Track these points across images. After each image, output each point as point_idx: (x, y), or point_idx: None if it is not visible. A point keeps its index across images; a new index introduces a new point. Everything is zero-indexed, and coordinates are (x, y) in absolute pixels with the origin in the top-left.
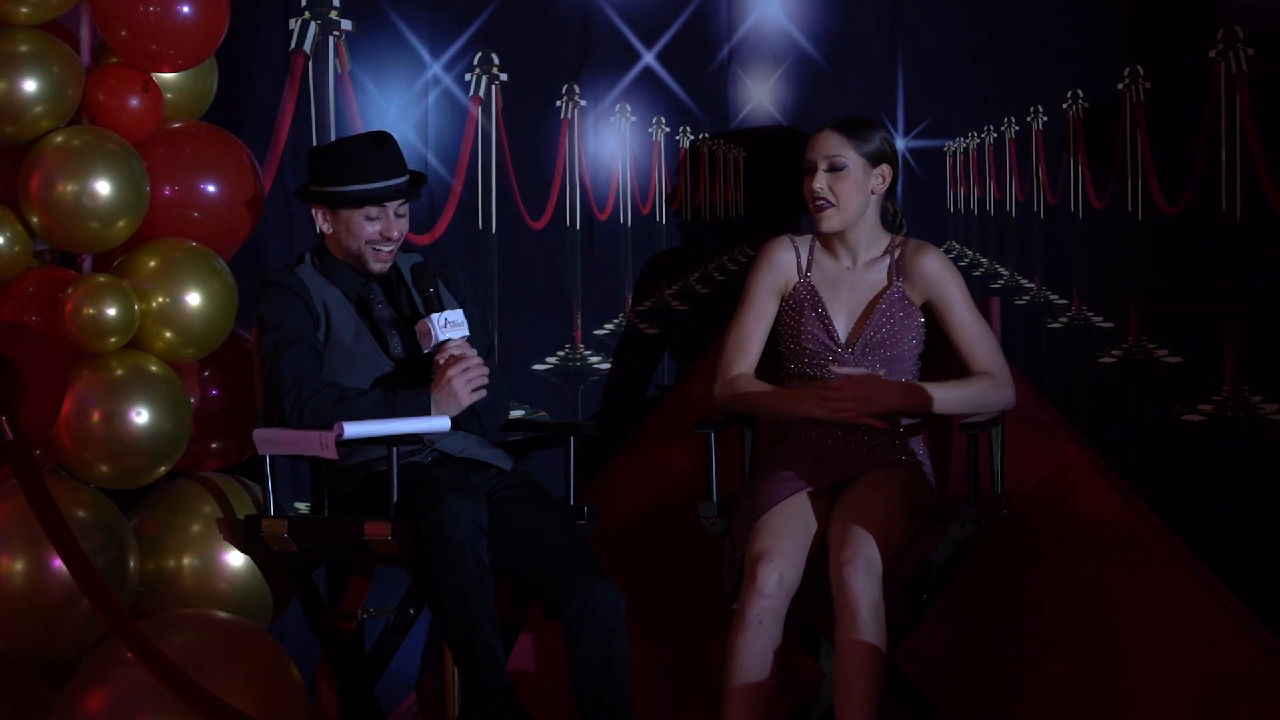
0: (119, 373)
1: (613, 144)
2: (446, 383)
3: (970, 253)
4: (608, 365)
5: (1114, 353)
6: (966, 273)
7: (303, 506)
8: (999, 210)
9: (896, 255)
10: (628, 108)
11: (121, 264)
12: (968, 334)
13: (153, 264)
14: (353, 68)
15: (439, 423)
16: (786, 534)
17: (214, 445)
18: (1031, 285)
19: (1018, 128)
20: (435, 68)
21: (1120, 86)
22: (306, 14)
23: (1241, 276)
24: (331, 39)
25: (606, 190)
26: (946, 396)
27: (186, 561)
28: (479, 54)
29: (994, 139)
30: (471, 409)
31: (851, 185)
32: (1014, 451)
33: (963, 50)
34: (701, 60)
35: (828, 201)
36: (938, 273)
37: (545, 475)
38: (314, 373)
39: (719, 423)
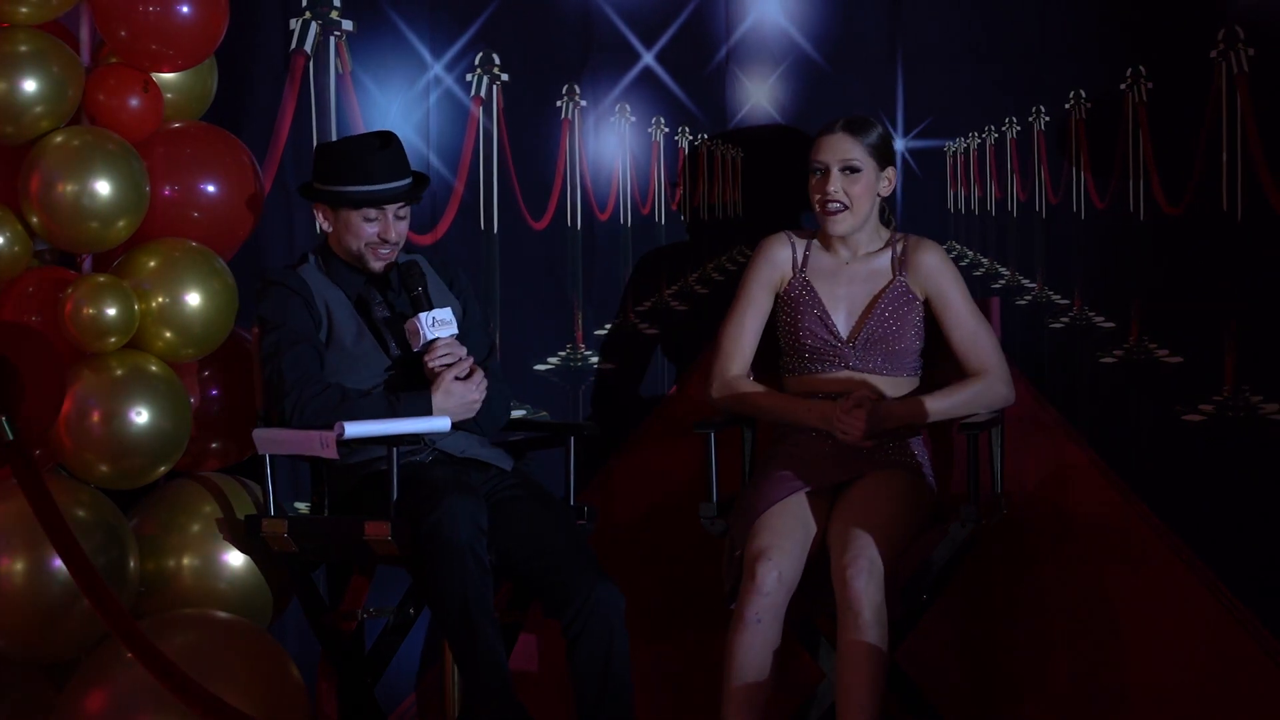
0: (119, 373)
1: (613, 144)
2: (447, 388)
3: (971, 253)
4: (609, 365)
5: (1115, 353)
6: (967, 273)
7: (303, 506)
8: (1000, 210)
9: (899, 249)
10: (627, 108)
11: (121, 264)
12: (964, 331)
13: (153, 264)
14: (353, 68)
15: (439, 423)
16: (786, 533)
17: (214, 445)
18: (1033, 285)
19: (1019, 128)
20: (436, 68)
21: (1122, 86)
22: (307, 14)
23: (1242, 276)
24: (332, 39)
25: (607, 190)
26: (943, 406)
27: (186, 561)
28: (480, 54)
29: (995, 139)
30: None
31: (864, 188)
32: (1014, 451)
33: (963, 50)
34: (700, 60)
35: (842, 204)
36: (938, 268)
37: (545, 475)
38: (315, 373)
39: (719, 423)
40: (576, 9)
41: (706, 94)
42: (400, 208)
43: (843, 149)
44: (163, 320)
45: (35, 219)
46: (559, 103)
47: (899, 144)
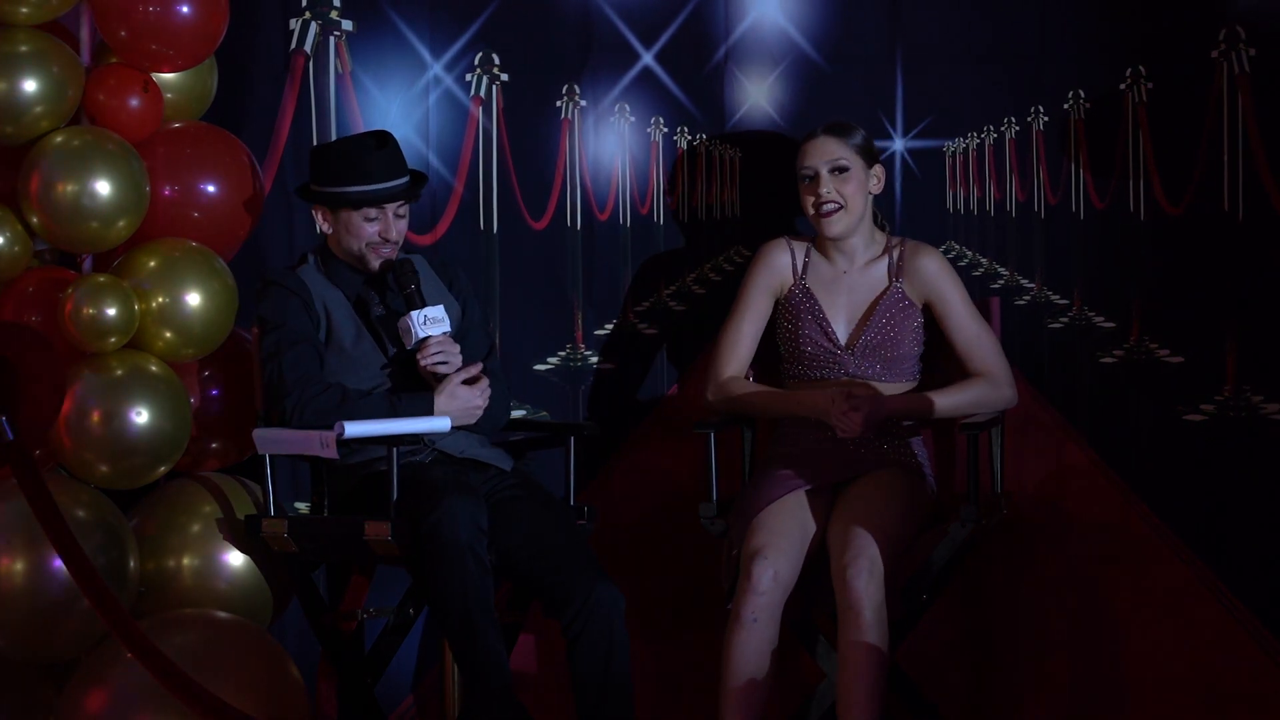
0: (119, 373)
1: (612, 144)
2: (451, 391)
3: (970, 253)
4: (608, 365)
5: (1115, 353)
6: (966, 273)
7: (303, 506)
8: (999, 210)
9: (895, 255)
10: (627, 108)
11: (121, 264)
12: (966, 334)
13: (153, 264)
14: (353, 68)
15: (439, 423)
16: (782, 532)
17: (214, 445)
18: (1032, 285)
19: (1018, 128)
20: (436, 68)
21: (1122, 86)
22: (307, 14)
23: (1243, 276)
24: (332, 39)
25: (606, 190)
26: (946, 404)
27: (186, 561)
28: (480, 54)
29: (994, 139)
30: None
31: (856, 185)
32: (1014, 451)
33: (962, 50)
34: (699, 60)
35: (836, 204)
36: (936, 273)
37: (545, 475)
38: (315, 373)
39: (718, 423)
40: (576, 9)
41: (705, 94)
42: (400, 206)
43: (829, 150)
44: (163, 320)
45: (35, 219)
46: (558, 103)
47: (897, 144)
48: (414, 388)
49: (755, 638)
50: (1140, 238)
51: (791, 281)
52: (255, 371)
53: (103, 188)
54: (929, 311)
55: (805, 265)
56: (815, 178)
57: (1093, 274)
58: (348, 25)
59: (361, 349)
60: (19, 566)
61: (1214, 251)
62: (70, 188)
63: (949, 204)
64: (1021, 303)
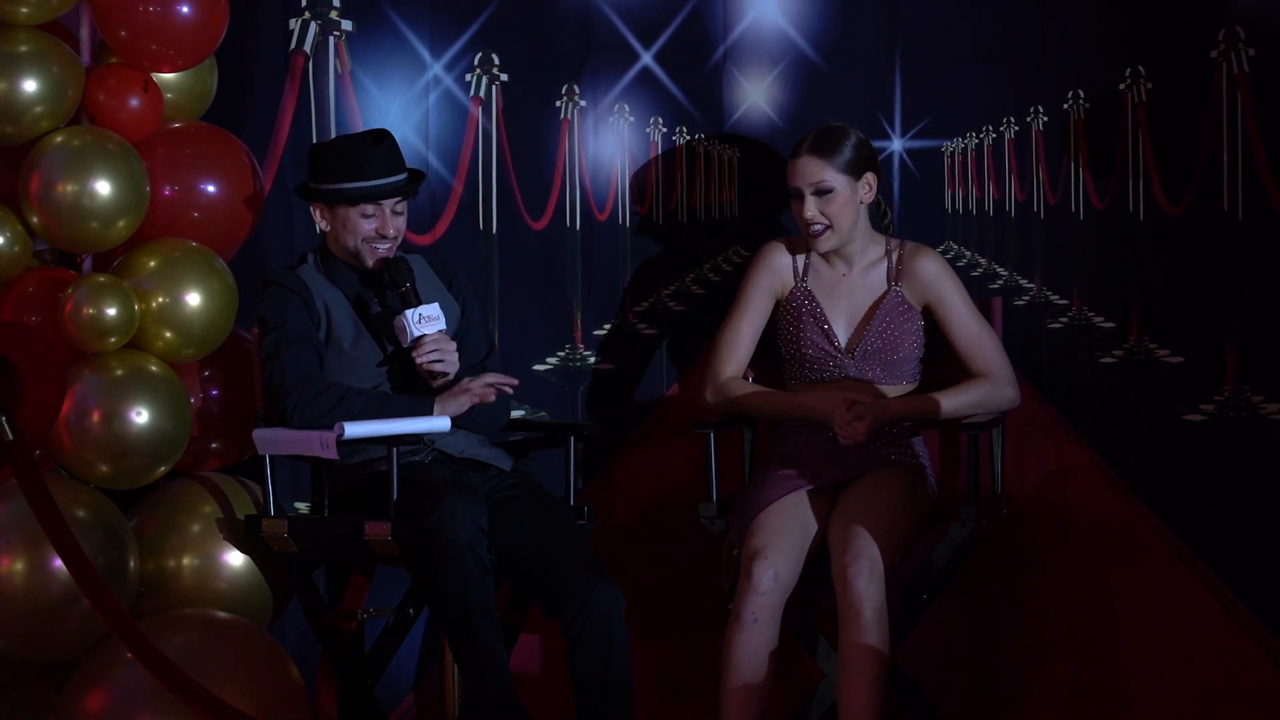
0: (119, 373)
1: (612, 144)
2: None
3: (969, 253)
4: (608, 365)
5: (1115, 353)
6: (965, 273)
7: (303, 506)
8: (998, 211)
9: (894, 259)
10: (626, 108)
11: (121, 264)
12: (967, 335)
13: (153, 264)
14: (353, 68)
15: (439, 423)
16: (783, 532)
17: (214, 445)
18: (1031, 285)
19: (1017, 128)
20: (436, 68)
21: (1121, 86)
22: (306, 14)
23: (1243, 276)
24: (331, 39)
25: (606, 190)
26: (950, 405)
27: (186, 561)
28: (479, 54)
29: (993, 139)
30: (471, 409)
31: (841, 205)
32: (1014, 451)
33: (962, 50)
34: (698, 60)
35: (822, 225)
36: (936, 275)
37: (545, 475)
38: (315, 373)
39: (718, 423)
40: (576, 9)
41: (704, 94)
42: (397, 203)
43: (811, 172)
44: (163, 320)
45: (35, 219)
46: (558, 103)
47: (896, 144)
48: (413, 387)
49: (756, 638)
50: (1140, 238)
51: (793, 284)
52: (255, 371)
53: (103, 188)
54: (929, 314)
55: (806, 267)
56: (801, 197)
57: (1092, 274)
58: (347, 25)
59: (361, 348)
60: (19, 566)
61: (1214, 251)
62: (70, 188)
63: (948, 204)
64: (1021, 303)
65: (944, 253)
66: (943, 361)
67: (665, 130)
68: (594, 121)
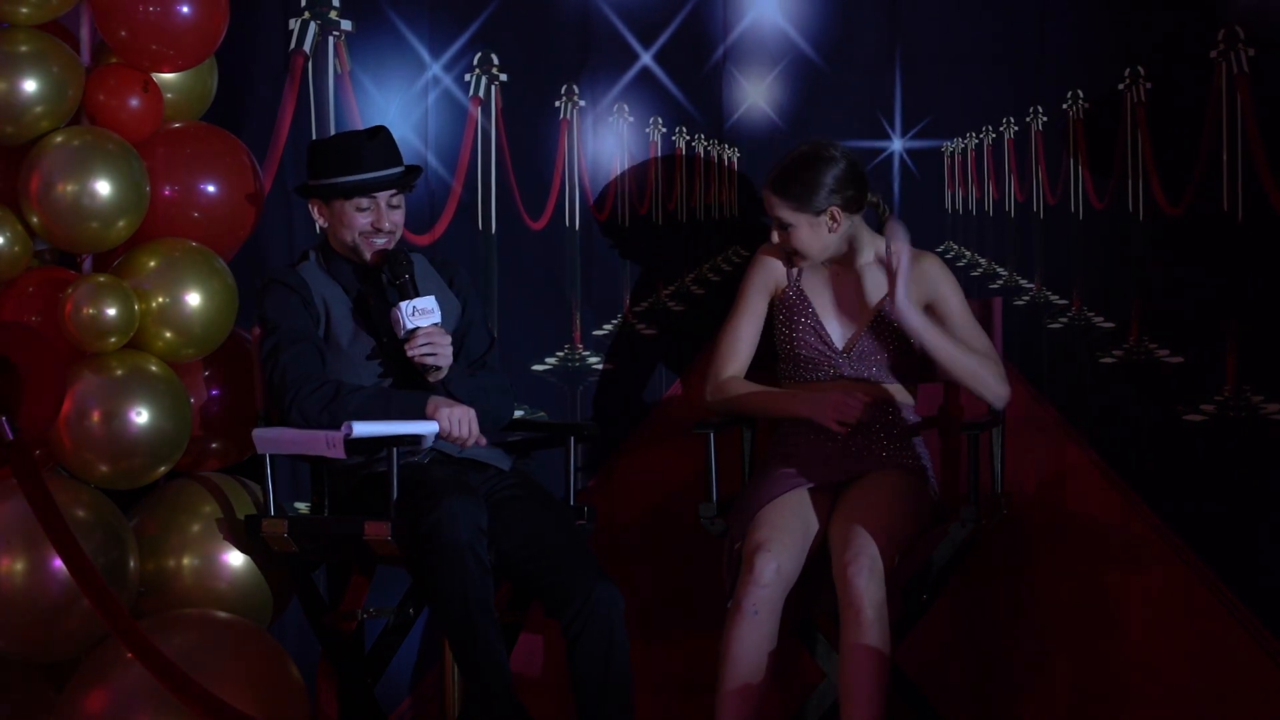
0: (119, 373)
1: (611, 144)
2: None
3: (969, 253)
4: (607, 366)
5: (1115, 353)
6: (965, 273)
7: (303, 506)
8: (998, 211)
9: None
10: (625, 108)
11: (121, 264)
12: (963, 331)
13: (153, 264)
14: (352, 68)
15: (428, 426)
16: (785, 528)
17: (214, 445)
18: (1031, 285)
19: (1017, 128)
20: (435, 68)
21: (1121, 87)
22: (306, 14)
23: (1243, 276)
24: (331, 39)
25: (605, 191)
26: (950, 351)
27: (186, 561)
28: (479, 54)
29: (992, 139)
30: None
31: (803, 238)
32: (1014, 451)
33: (961, 50)
34: (697, 60)
35: (793, 250)
36: (934, 278)
37: (545, 475)
38: (315, 371)
39: (718, 423)
40: (575, 9)
41: (704, 94)
42: (393, 195)
43: (772, 206)
44: (163, 320)
45: (35, 219)
46: (557, 103)
47: (896, 144)
48: (413, 382)
49: (756, 630)
50: (1140, 238)
51: (785, 284)
52: (256, 371)
53: (103, 188)
54: (929, 313)
55: (800, 268)
56: (773, 225)
57: (1092, 274)
58: (347, 25)
59: (359, 344)
60: (19, 566)
61: (1213, 251)
62: (70, 188)
63: (948, 204)
64: (1021, 303)
65: (944, 253)
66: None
67: (665, 130)
68: (593, 121)
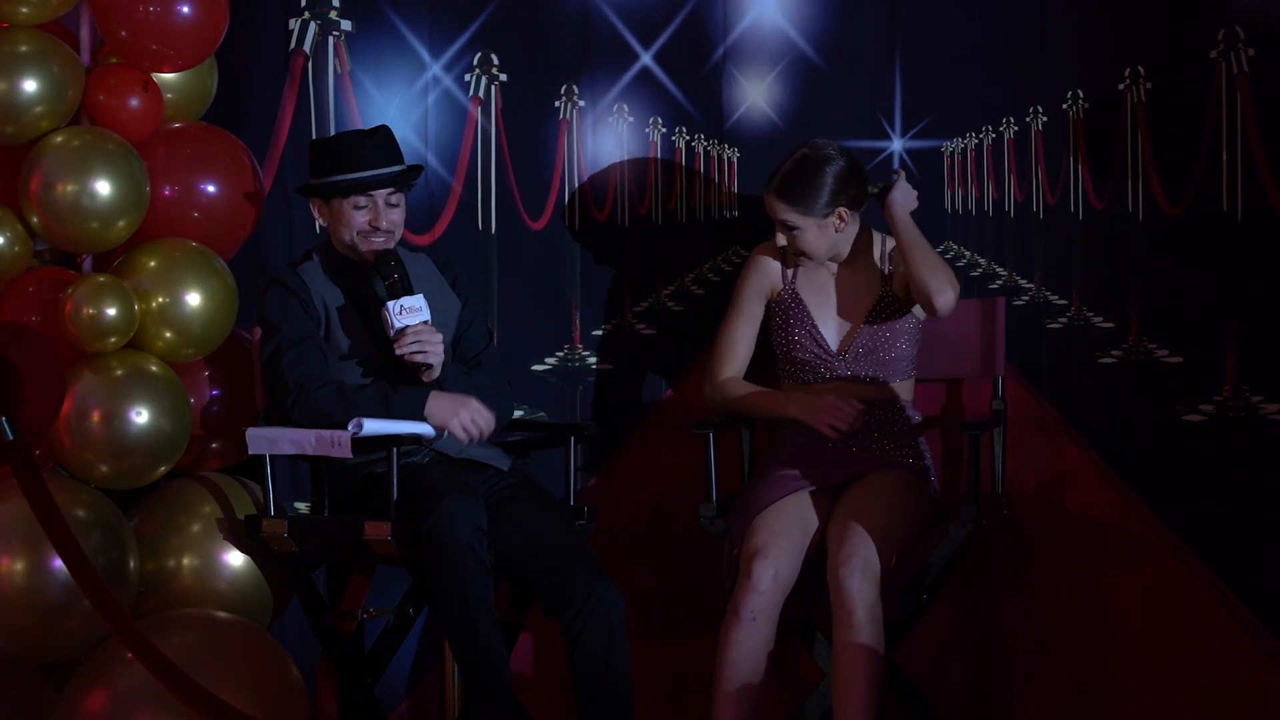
0: (119, 373)
1: (611, 144)
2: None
3: (968, 253)
4: (607, 366)
5: (1114, 353)
6: (965, 273)
7: (303, 506)
8: (998, 211)
9: (888, 250)
10: (625, 108)
11: (121, 264)
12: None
13: (153, 264)
14: (353, 68)
15: (424, 427)
16: (783, 532)
17: (214, 445)
18: (1030, 285)
19: (1016, 128)
20: (435, 68)
21: (1121, 87)
22: (306, 14)
23: (1242, 276)
24: (331, 39)
25: (605, 190)
26: (922, 248)
27: (186, 561)
28: (479, 54)
29: (992, 139)
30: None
31: (810, 239)
32: (1014, 451)
33: (962, 50)
34: (697, 60)
35: (797, 252)
36: None
37: (545, 475)
38: (316, 372)
39: (718, 423)
40: (575, 9)
41: (704, 94)
42: (391, 194)
43: (776, 210)
44: (163, 320)
45: (35, 219)
46: (557, 103)
47: (896, 144)
48: (411, 382)
49: (752, 636)
50: (1139, 238)
51: (781, 286)
52: (255, 372)
53: (103, 188)
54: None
55: (795, 269)
56: (776, 228)
57: (1092, 274)
58: (347, 25)
59: (360, 345)
60: (19, 566)
61: (1213, 251)
62: (70, 188)
63: (947, 204)
64: (1020, 303)
65: (943, 253)
66: (938, 365)
67: (665, 130)
68: (593, 122)
